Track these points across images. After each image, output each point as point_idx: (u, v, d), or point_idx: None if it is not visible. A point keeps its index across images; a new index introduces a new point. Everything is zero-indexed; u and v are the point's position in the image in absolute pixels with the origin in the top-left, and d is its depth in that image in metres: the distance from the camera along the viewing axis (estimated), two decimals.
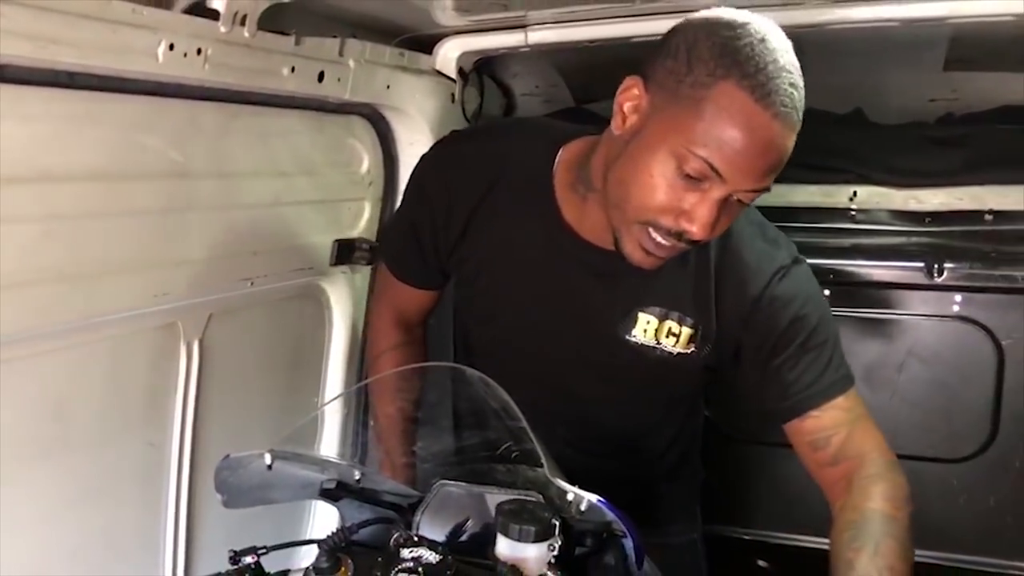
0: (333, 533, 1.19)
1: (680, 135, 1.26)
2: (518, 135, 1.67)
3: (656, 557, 1.25)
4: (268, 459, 1.19)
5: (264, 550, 1.23)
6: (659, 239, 1.34)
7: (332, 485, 1.35)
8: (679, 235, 1.32)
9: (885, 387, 2.06)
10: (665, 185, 1.29)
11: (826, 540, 2.19)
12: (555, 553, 1.14)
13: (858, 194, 2.10)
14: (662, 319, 1.52)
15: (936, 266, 1.95)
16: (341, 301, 2.36)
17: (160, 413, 1.80)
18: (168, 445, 1.82)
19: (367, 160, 2.28)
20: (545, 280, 1.56)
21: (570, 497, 1.09)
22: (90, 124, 1.44)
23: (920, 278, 1.98)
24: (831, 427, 1.47)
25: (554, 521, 1.13)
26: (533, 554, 1.13)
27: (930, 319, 2.02)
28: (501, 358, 1.64)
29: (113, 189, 1.52)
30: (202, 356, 1.84)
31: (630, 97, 1.34)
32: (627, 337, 1.53)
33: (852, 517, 1.38)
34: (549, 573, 1.15)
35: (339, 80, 1.91)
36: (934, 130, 2.20)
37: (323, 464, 1.27)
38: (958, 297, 1.99)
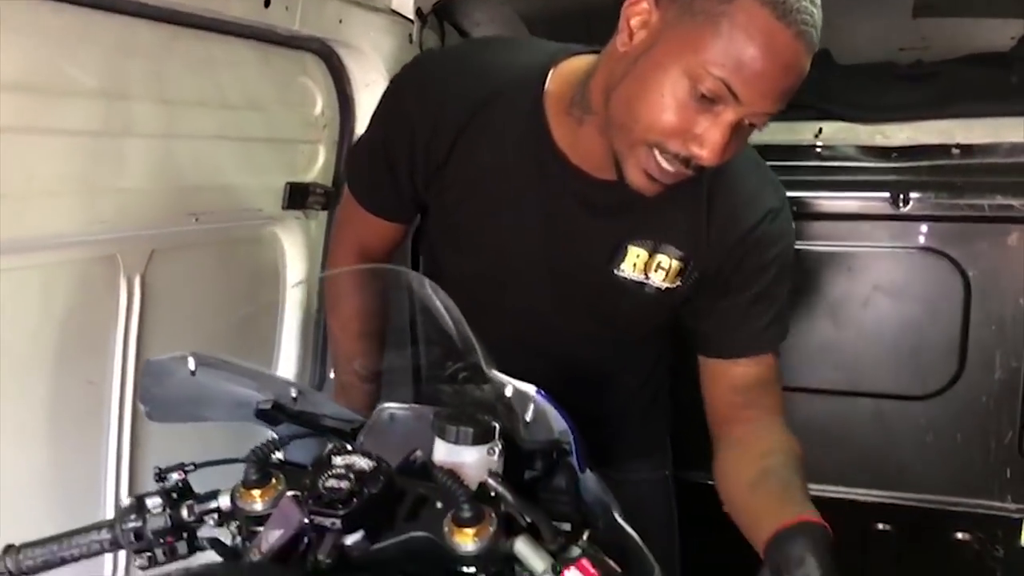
0: (261, 445, 1.13)
1: (695, 53, 1.18)
2: (508, 50, 1.55)
3: (627, 492, 1.22)
4: (192, 364, 1.12)
5: (192, 467, 1.17)
6: (664, 164, 1.26)
7: (268, 406, 1.28)
8: (687, 160, 1.25)
9: (850, 324, 2.01)
10: (676, 105, 1.21)
11: None
12: (495, 459, 1.08)
13: (823, 130, 2.06)
14: (652, 252, 1.46)
15: (902, 196, 1.91)
16: (296, 249, 2.29)
17: (100, 351, 1.73)
18: (108, 384, 1.75)
19: (320, 100, 2.21)
20: (532, 210, 1.48)
21: (508, 392, 1.03)
22: (13, 33, 1.37)
23: (886, 208, 1.93)
24: (754, 379, 1.47)
25: (494, 424, 1.07)
26: (472, 458, 1.07)
27: (896, 251, 1.98)
28: (480, 292, 1.52)
29: (40, 103, 1.44)
30: (145, 293, 1.77)
31: (638, 11, 1.24)
32: (615, 271, 1.47)
33: (766, 454, 1.37)
34: (491, 481, 1.09)
35: (287, 9, 1.84)
36: (901, 69, 2.16)
37: (255, 377, 1.20)
38: (924, 227, 1.94)
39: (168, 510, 1.14)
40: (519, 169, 1.45)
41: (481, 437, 1.07)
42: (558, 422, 1.05)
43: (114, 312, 1.73)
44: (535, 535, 1.08)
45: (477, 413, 1.11)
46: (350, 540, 1.04)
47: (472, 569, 1.04)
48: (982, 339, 1.95)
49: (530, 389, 1.03)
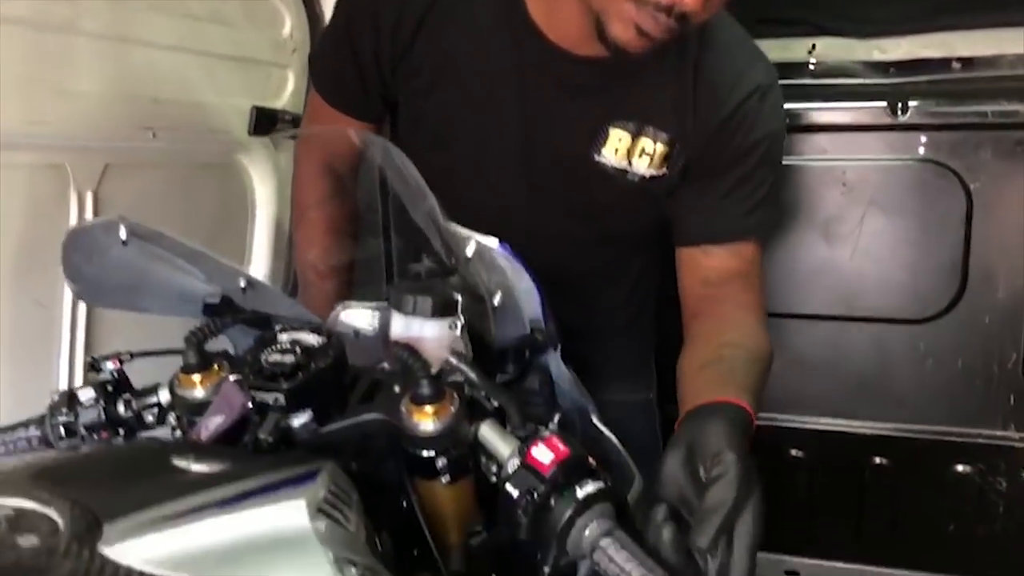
0: (201, 326, 1.03)
1: None
2: None
3: (609, 414, 1.13)
4: (123, 232, 1.01)
5: (128, 356, 1.07)
6: (647, 18, 1.17)
7: (216, 300, 1.18)
8: (669, 9, 1.15)
9: (845, 243, 1.91)
10: None
11: (783, 416, 2.10)
12: (458, 334, 0.99)
13: (817, 47, 1.95)
14: (635, 135, 1.37)
15: (900, 104, 1.81)
16: (265, 182, 2.19)
17: (51, 271, 1.62)
18: (59, 308, 1.65)
19: (289, 21, 2.10)
20: (506, 93, 1.39)
21: (470, 250, 0.93)
22: None
23: (882, 118, 1.83)
24: (730, 272, 1.39)
25: (456, 296, 0.98)
26: (432, 333, 0.98)
27: (893, 164, 1.88)
28: (450, 191, 1.44)
29: None
30: (98, 211, 1.66)
31: None
32: (596, 158, 1.39)
33: (726, 344, 1.27)
34: (453, 359, 0.99)
35: None
36: None
37: (196, 260, 1.09)
38: (923, 138, 1.84)
39: (102, 403, 1.04)
40: (492, 48, 1.36)
41: (442, 309, 0.97)
42: (521, 279, 0.95)
43: (65, 229, 1.62)
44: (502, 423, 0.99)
45: (436, 285, 1.01)
46: (296, 422, 0.94)
47: (431, 453, 0.94)
48: (985, 257, 1.85)
49: (492, 241, 0.93)
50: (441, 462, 0.94)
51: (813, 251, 1.94)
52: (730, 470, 0.94)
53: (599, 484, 0.91)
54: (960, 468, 1.98)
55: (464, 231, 0.93)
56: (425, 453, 0.95)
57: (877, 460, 2.03)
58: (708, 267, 1.41)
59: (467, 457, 0.97)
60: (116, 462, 0.86)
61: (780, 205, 1.42)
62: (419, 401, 0.94)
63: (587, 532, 0.88)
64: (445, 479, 0.96)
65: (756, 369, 1.22)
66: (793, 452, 2.07)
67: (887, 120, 1.83)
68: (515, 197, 1.44)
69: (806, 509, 2.12)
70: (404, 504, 1.01)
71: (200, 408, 1.00)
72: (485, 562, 1.05)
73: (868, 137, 1.87)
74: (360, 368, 1.05)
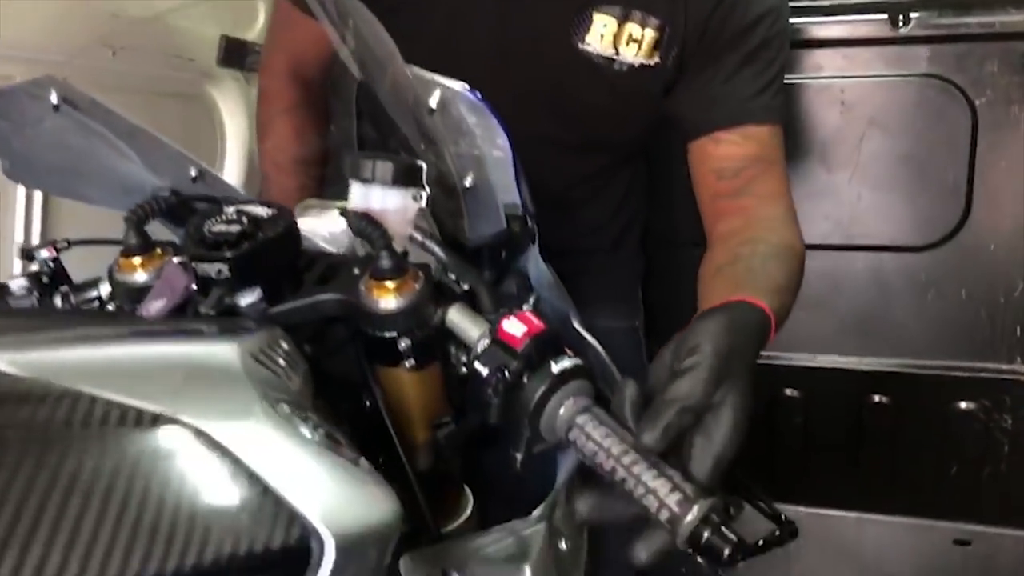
0: (143, 203, 0.94)
1: None
2: None
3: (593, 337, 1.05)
4: (54, 96, 0.92)
5: (65, 243, 0.99)
6: None
7: (166, 193, 1.09)
8: None
9: (844, 166, 1.82)
10: None
11: (776, 353, 2.01)
12: (423, 205, 0.90)
13: None
14: (622, 20, 1.28)
15: (901, 16, 1.72)
16: (235, 115, 2.12)
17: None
18: (9, 229, 1.56)
19: None
20: None
21: (434, 100, 0.84)
22: None
23: (883, 31, 1.74)
24: (745, 159, 1.28)
25: (419, 164, 0.89)
26: (394, 204, 0.89)
27: (894, 80, 1.79)
28: None
29: None
30: None
31: None
32: (580, 46, 1.30)
33: (747, 241, 1.17)
34: (417, 235, 0.91)
35: None
36: None
37: (137, 141, 1.00)
38: (926, 51, 1.75)
39: (36, 295, 0.96)
40: None
41: (404, 176, 0.88)
42: (493, 136, 0.87)
43: None
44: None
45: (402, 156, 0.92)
46: (244, 301, 0.85)
47: (393, 334, 0.86)
48: (990, 179, 1.76)
49: (458, 85, 0.84)
50: (404, 343, 0.85)
51: (809, 176, 1.85)
52: (702, 363, 0.81)
53: (575, 360, 0.82)
54: (963, 405, 1.90)
55: (428, 74, 0.84)
56: (387, 334, 0.86)
57: (876, 398, 1.95)
58: (720, 156, 1.30)
59: (433, 341, 0.89)
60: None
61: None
62: (379, 275, 0.85)
63: (562, 411, 0.80)
64: (409, 363, 0.87)
65: (779, 266, 1.11)
66: (787, 392, 1.99)
67: (887, 33, 1.74)
68: (492, 95, 1.34)
69: (800, 453, 2.04)
70: (367, 404, 0.93)
71: (141, 294, 0.91)
72: (454, 459, 0.97)
73: (867, 52, 1.78)
74: (317, 252, 0.97)
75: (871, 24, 1.75)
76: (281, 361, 0.66)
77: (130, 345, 0.58)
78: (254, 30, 2.09)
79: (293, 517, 0.54)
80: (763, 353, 2.05)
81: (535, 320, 0.83)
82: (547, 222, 1.24)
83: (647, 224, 1.65)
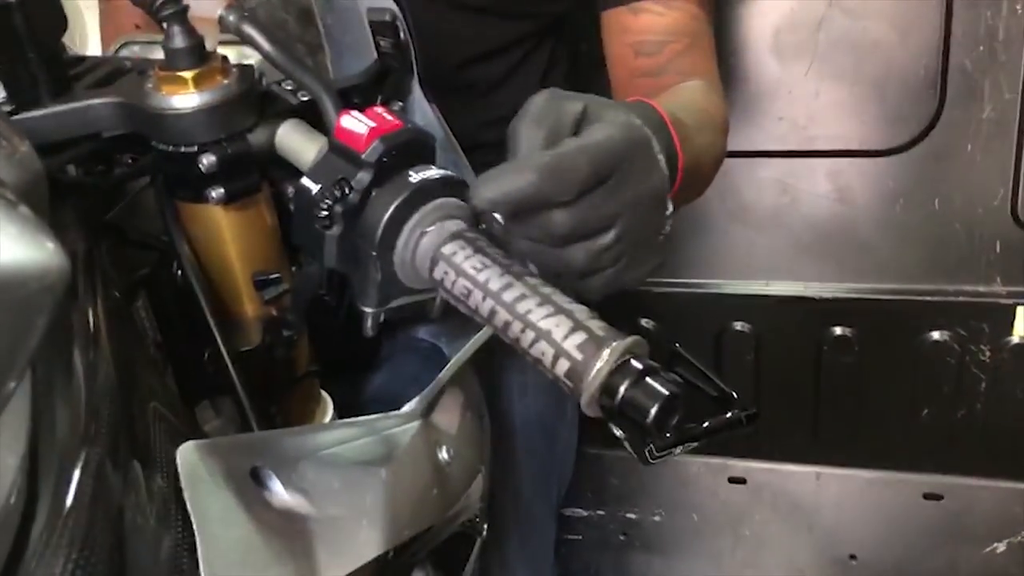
0: None
1: None
2: None
3: None
4: None
5: None
6: None
7: None
8: None
9: (800, 56, 1.62)
10: None
11: (723, 281, 1.83)
12: None
13: None
14: None
15: None
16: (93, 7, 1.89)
17: None
18: None
19: None
20: None
21: None
22: None
23: None
24: (669, 32, 1.14)
25: None
26: None
27: None
28: None
29: None
30: None
31: None
32: None
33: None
34: (232, 16, 0.68)
35: None
36: None
37: None
38: None
39: None
40: None
41: None
42: None
43: None
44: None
45: None
46: None
47: (193, 148, 0.63)
48: (967, 65, 1.57)
49: None
50: (208, 161, 0.63)
51: (757, 69, 1.64)
52: (610, 126, 0.66)
53: (444, 171, 0.61)
54: (936, 335, 1.72)
55: None
56: (185, 148, 0.64)
57: (837, 331, 1.76)
58: (640, 29, 1.15)
59: (253, 167, 0.67)
60: None
61: None
62: (171, 64, 0.63)
63: (425, 239, 0.59)
64: (216, 194, 0.65)
65: (698, 114, 0.95)
66: (736, 325, 1.80)
67: None
68: None
69: (752, 397, 1.85)
70: (175, 267, 0.71)
71: None
72: (300, 344, 0.75)
73: None
74: (98, 59, 0.74)
75: None
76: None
77: None
78: None
79: None
80: (710, 282, 1.88)
81: (388, 116, 0.61)
82: (449, 110, 1.06)
83: None
